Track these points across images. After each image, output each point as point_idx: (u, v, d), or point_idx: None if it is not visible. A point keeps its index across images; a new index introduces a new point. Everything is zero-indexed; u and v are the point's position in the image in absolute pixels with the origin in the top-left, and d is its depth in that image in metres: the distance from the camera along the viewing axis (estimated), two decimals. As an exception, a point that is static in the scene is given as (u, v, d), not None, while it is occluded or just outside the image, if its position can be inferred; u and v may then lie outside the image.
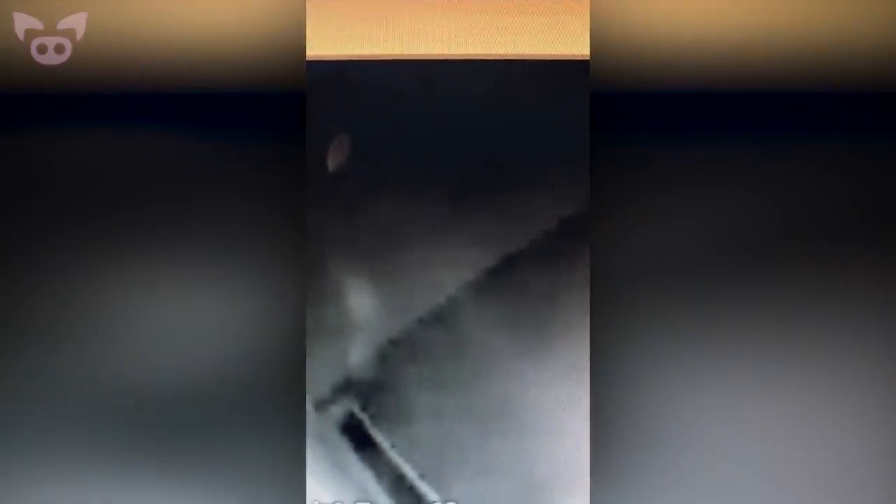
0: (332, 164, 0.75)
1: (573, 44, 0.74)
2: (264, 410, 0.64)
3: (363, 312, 0.74)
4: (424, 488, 0.73)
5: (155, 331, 0.65)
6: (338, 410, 0.74)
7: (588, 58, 0.68)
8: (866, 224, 0.65)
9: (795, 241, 0.65)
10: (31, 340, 0.64)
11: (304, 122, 0.65)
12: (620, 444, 0.64)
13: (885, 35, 0.65)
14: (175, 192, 0.65)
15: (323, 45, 0.75)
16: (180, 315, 0.65)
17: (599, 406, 0.64)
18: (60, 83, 0.65)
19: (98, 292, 0.65)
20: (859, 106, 0.65)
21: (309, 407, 0.73)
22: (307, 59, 0.68)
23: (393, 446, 0.73)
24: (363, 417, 0.74)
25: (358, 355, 0.74)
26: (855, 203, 0.65)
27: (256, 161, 0.65)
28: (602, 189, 0.65)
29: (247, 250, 0.65)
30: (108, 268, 0.65)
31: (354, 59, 0.75)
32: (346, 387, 0.74)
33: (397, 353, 0.74)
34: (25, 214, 0.65)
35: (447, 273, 0.74)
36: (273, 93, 0.65)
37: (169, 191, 0.65)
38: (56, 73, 0.65)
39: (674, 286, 0.64)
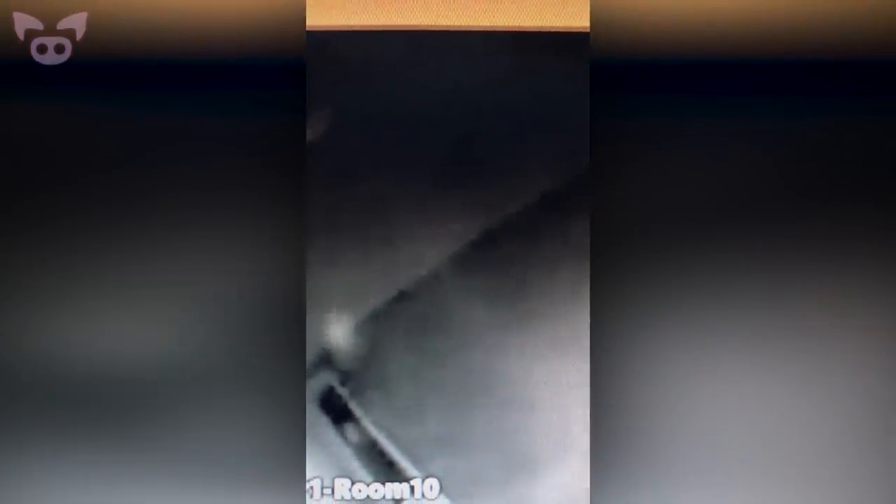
0: (310, 135, 0.73)
1: (573, 16, 0.74)
2: (261, 385, 0.64)
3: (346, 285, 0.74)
4: (404, 464, 0.74)
5: (143, 302, 0.64)
6: (317, 385, 0.74)
7: (588, 30, 0.68)
8: (869, 192, 0.66)
9: (798, 210, 0.66)
10: (27, 314, 0.64)
11: (304, 93, 0.65)
12: (615, 420, 0.65)
13: (886, 3, 0.65)
14: (174, 170, 0.64)
15: (323, 15, 0.73)
16: (171, 286, 0.64)
17: (594, 384, 0.65)
18: (60, 83, 0.63)
19: (93, 267, 0.64)
20: (859, 73, 0.65)
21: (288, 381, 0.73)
22: (307, 29, 0.67)
23: (373, 421, 0.74)
24: (343, 392, 0.74)
25: (340, 329, 0.74)
26: (856, 170, 0.66)
27: (256, 136, 0.64)
28: (602, 159, 0.65)
29: (242, 221, 0.64)
30: (102, 252, 0.64)
31: (355, 29, 0.74)
32: (326, 361, 0.74)
33: (377, 326, 0.74)
34: (25, 211, 0.63)
35: (435, 244, 0.74)
36: (273, 63, 0.64)
37: (167, 181, 0.64)
38: (56, 73, 0.63)
39: (674, 256, 0.65)
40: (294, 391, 0.66)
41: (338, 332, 0.74)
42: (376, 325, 0.74)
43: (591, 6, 0.66)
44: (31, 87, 0.63)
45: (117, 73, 0.63)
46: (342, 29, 0.74)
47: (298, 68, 0.65)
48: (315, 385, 0.74)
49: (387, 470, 0.74)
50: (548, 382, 0.74)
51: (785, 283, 0.66)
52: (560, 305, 0.74)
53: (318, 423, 0.74)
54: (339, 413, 0.74)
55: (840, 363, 0.66)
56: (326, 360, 0.74)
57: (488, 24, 0.75)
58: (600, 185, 0.66)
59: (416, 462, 0.74)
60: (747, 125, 0.66)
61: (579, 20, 0.75)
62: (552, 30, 0.75)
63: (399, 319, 0.74)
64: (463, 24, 0.75)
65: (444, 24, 0.75)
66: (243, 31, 0.64)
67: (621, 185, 0.65)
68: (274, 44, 0.64)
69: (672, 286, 0.65)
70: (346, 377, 0.74)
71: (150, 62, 0.64)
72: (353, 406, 0.74)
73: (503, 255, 0.75)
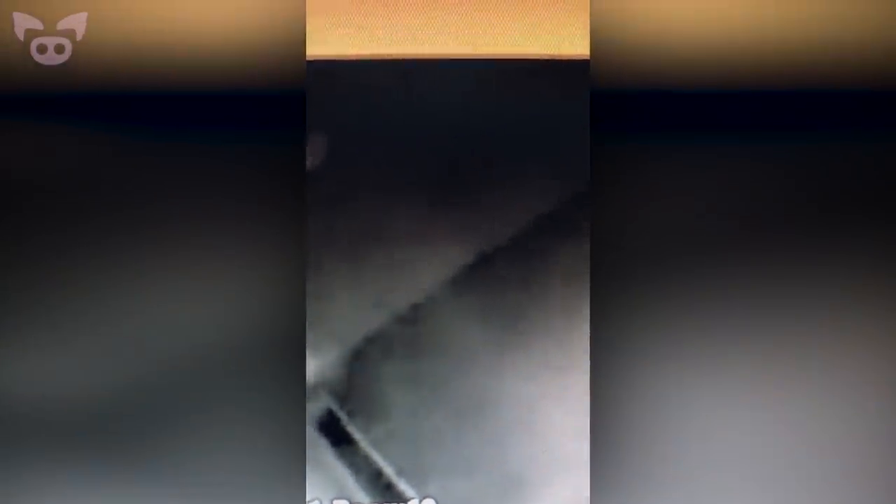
0: (310, 163, 0.74)
1: (573, 43, 0.75)
2: (262, 407, 0.64)
3: (341, 308, 0.74)
4: (402, 485, 0.73)
5: (146, 325, 0.64)
6: (315, 407, 0.74)
7: (588, 57, 0.69)
8: (866, 217, 0.65)
9: (796, 231, 0.65)
10: (23, 321, 0.64)
11: (304, 122, 0.65)
12: (615, 438, 0.65)
13: (884, 34, 0.66)
14: (173, 189, 0.65)
15: (324, 44, 0.74)
16: (174, 310, 0.65)
17: (594, 402, 0.65)
18: (60, 83, 0.64)
19: (93, 285, 0.64)
20: (858, 104, 0.65)
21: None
22: (307, 58, 0.68)
23: (370, 443, 0.74)
24: (341, 414, 0.74)
25: (336, 352, 0.74)
26: (853, 197, 0.66)
27: (256, 160, 0.65)
28: (601, 184, 0.66)
29: (244, 249, 0.65)
30: (102, 261, 0.64)
31: (355, 58, 0.75)
32: (325, 384, 0.74)
33: (374, 349, 0.74)
34: (25, 214, 0.64)
35: (433, 267, 0.75)
36: (273, 92, 0.65)
37: (167, 188, 0.65)
38: (56, 73, 0.64)
39: (672, 279, 0.65)
40: (294, 414, 0.66)
41: (336, 354, 0.74)
42: (374, 348, 0.74)
43: (591, 34, 0.66)
44: (30, 88, 0.64)
45: (117, 74, 0.64)
46: (341, 58, 0.75)
47: (298, 97, 0.65)
48: (314, 408, 0.74)
49: (385, 491, 0.73)
50: (546, 402, 0.74)
51: (783, 305, 0.65)
52: (559, 327, 0.74)
53: (316, 445, 0.74)
54: (337, 435, 0.74)
55: (842, 373, 0.65)
56: (325, 382, 0.74)
57: (488, 52, 0.76)
58: (599, 210, 0.66)
59: (414, 483, 0.73)
60: (745, 153, 0.66)
61: (579, 48, 0.75)
62: (552, 57, 0.76)
63: (397, 342, 0.74)
64: (464, 52, 0.76)
65: (445, 52, 0.76)
66: (243, 60, 0.65)
67: (620, 210, 0.66)
68: (275, 73, 0.65)
69: (670, 307, 0.65)
70: (344, 399, 0.74)
71: (151, 63, 0.64)
72: (352, 428, 0.74)
73: (501, 278, 0.75)
